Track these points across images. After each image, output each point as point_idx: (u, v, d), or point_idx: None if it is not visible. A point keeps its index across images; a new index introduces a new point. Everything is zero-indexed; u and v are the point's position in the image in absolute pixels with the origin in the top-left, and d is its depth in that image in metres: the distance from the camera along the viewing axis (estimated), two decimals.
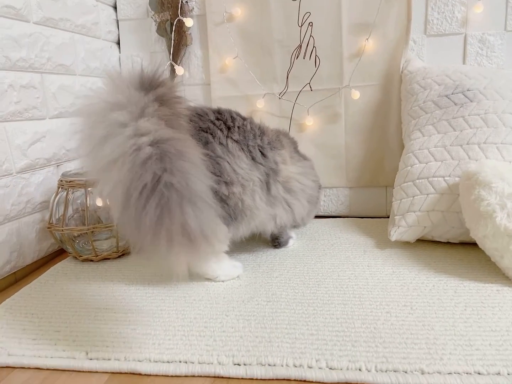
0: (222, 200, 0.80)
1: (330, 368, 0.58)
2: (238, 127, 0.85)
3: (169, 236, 0.57)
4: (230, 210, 0.82)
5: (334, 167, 1.29)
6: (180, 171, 0.60)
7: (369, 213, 1.30)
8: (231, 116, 0.86)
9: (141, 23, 1.36)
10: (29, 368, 0.63)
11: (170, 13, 1.28)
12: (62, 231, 0.93)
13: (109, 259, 0.99)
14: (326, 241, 1.08)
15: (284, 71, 1.28)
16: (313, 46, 1.25)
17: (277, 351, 0.62)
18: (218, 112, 0.86)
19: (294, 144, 1.02)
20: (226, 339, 0.65)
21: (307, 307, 0.74)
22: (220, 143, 0.81)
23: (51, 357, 0.64)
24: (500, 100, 0.97)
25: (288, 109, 1.30)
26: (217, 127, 0.82)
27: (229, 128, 0.84)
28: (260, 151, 0.86)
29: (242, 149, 0.84)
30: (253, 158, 0.85)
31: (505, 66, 1.20)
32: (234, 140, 0.83)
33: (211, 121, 0.83)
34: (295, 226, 1.03)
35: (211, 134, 0.81)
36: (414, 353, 0.61)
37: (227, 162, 0.80)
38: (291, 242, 1.04)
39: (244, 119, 0.89)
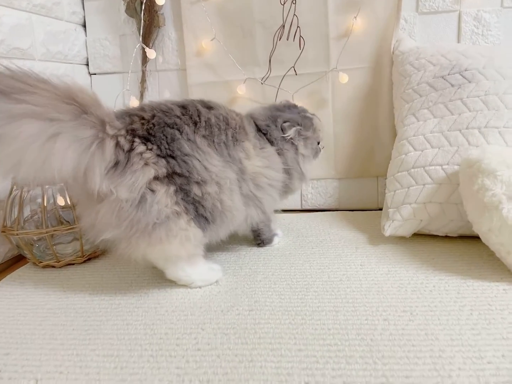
0: (195, 201, 0.71)
1: None
2: (205, 121, 0.75)
3: None
4: (207, 213, 0.72)
5: (322, 158, 1.18)
6: None
7: (360, 206, 1.22)
8: (197, 109, 0.76)
9: (108, 3, 1.24)
10: None
11: None
12: (17, 235, 0.82)
13: (73, 264, 0.89)
14: (315, 237, 0.99)
15: (266, 53, 1.18)
16: (297, 26, 1.15)
17: (260, 373, 0.53)
18: (183, 107, 0.75)
19: (250, 121, 0.88)
20: (200, 360, 0.56)
21: (295, 316, 0.66)
22: (188, 139, 0.71)
23: None
24: (501, 80, 0.89)
25: (271, 95, 1.20)
26: (184, 122, 0.73)
27: (195, 124, 0.74)
28: (226, 149, 0.77)
29: (210, 145, 0.74)
30: (221, 156, 0.76)
31: (502, 46, 1.12)
32: (202, 136, 0.74)
33: (178, 116, 0.73)
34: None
35: (178, 130, 0.71)
36: (417, 370, 0.52)
37: (197, 159, 0.71)
38: (276, 239, 0.95)
39: (209, 109, 0.78)
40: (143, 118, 0.70)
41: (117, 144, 0.66)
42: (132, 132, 0.68)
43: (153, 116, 0.71)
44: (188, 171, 0.69)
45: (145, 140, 0.68)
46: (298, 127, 0.89)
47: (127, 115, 0.71)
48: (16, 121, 0.58)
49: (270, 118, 0.90)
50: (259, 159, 0.81)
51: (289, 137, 0.88)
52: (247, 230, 0.91)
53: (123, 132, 0.67)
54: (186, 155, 0.70)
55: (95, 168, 0.63)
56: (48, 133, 0.60)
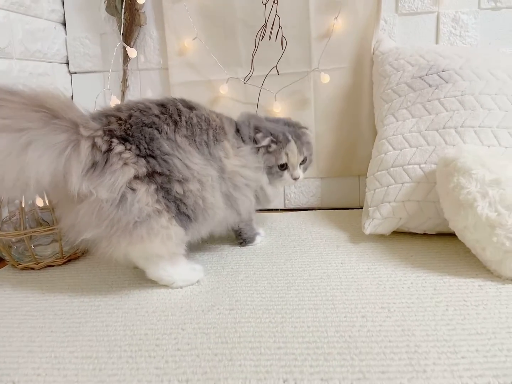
0: (177, 199, 0.71)
1: None
2: (186, 121, 0.75)
3: None
4: (189, 211, 0.72)
5: None
6: None
7: (342, 204, 1.23)
8: (177, 109, 0.76)
9: (89, 1, 1.22)
10: None
11: None
12: None
13: (53, 266, 0.88)
14: (297, 236, 1.00)
15: (248, 53, 1.19)
16: (279, 26, 1.16)
17: (239, 372, 0.53)
18: (162, 105, 0.75)
19: (231, 122, 0.88)
20: (180, 359, 0.56)
21: (275, 314, 0.66)
22: (168, 139, 0.71)
23: None
24: (476, 80, 0.91)
25: (254, 95, 1.21)
26: (163, 121, 0.72)
27: (176, 123, 0.74)
28: (207, 147, 0.77)
29: (191, 144, 0.74)
30: (203, 154, 0.76)
31: (479, 46, 1.14)
32: (183, 135, 0.74)
33: (156, 115, 0.73)
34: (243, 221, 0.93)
35: (157, 129, 0.71)
36: (394, 365, 0.53)
37: (177, 158, 0.71)
38: (258, 239, 0.96)
39: (190, 109, 0.78)
40: (120, 119, 0.70)
41: (94, 145, 0.65)
42: (110, 133, 0.68)
43: (130, 116, 0.71)
44: (168, 170, 0.69)
45: (124, 140, 0.68)
46: (271, 137, 0.87)
47: (104, 115, 0.71)
48: None
49: (247, 119, 0.90)
50: (237, 159, 0.81)
51: (261, 146, 0.87)
52: (224, 232, 0.90)
53: (99, 133, 0.67)
54: (166, 154, 0.70)
55: (72, 170, 0.63)
56: (20, 143, 0.59)
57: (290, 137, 0.90)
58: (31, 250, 0.84)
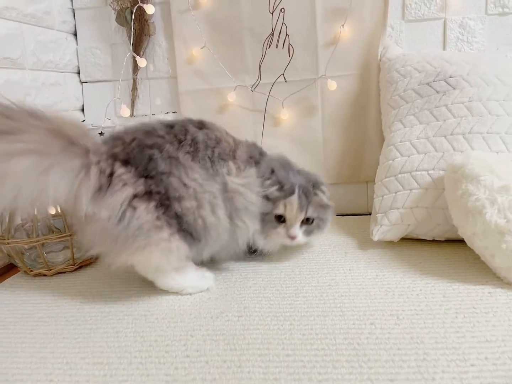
0: (178, 216, 0.72)
1: None
2: (191, 139, 0.77)
3: None
4: (191, 229, 0.73)
5: (312, 163, 1.21)
6: None
7: (350, 211, 1.23)
8: (185, 129, 0.78)
9: (99, 11, 1.25)
10: None
11: None
12: (8, 244, 0.83)
13: (64, 272, 0.89)
14: None
15: (256, 61, 1.20)
16: (286, 34, 1.17)
17: (248, 378, 0.54)
18: (170, 126, 0.78)
19: (252, 153, 0.85)
20: (189, 366, 0.57)
21: (283, 321, 0.66)
22: (168, 157, 0.73)
23: None
24: (484, 86, 0.91)
25: (261, 102, 1.22)
26: (167, 141, 0.74)
27: (180, 141, 0.76)
28: (210, 163, 0.77)
29: (194, 160, 0.75)
30: (205, 169, 0.76)
31: (487, 52, 1.14)
32: (186, 152, 0.75)
33: (160, 136, 0.75)
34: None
35: (158, 149, 0.73)
36: (402, 372, 0.53)
37: (174, 176, 0.72)
38: None
39: (200, 128, 0.79)
40: (124, 142, 0.73)
41: (101, 169, 0.69)
42: (113, 156, 0.71)
43: (134, 139, 0.73)
44: (164, 188, 0.71)
45: (125, 163, 0.71)
46: (278, 186, 0.83)
47: (112, 139, 0.75)
48: (12, 159, 0.62)
49: (273, 160, 0.88)
50: (239, 179, 0.80)
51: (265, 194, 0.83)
52: (227, 259, 0.87)
53: (104, 156, 0.70)
54: (163, 173, 0.71)
55: (83, 194, 0.67)
56: (41, 167, 0.64)
57: (296, 190, 0.83)
58: (43, 257, 0.85)
